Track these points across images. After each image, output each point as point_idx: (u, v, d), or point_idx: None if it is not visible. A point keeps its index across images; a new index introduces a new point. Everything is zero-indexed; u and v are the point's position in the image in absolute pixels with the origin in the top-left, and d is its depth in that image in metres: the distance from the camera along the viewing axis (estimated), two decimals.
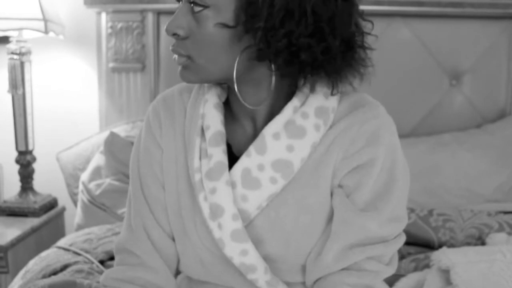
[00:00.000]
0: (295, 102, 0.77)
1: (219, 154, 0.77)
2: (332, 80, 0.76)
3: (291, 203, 0.77)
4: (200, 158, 0.79)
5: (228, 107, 0.84)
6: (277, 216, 0.78)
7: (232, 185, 0.77)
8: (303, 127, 0.76)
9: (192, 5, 0.73)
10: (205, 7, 0.71)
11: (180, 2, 0.75)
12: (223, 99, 0.83)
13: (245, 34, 0.71)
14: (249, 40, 0.72)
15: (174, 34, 0.74)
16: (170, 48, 0.76)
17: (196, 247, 0.80)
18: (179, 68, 0.77)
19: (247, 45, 0.72)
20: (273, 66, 0.73)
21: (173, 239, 0.84)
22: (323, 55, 0.71)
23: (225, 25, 0.71)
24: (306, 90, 0.78)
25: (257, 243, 0.78)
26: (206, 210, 0.77)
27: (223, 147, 0.78)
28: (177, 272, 0.89)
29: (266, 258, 0.78)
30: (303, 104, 0.78)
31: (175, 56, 0.76)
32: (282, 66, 0.73)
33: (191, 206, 0.80)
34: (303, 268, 0.81)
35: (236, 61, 0.73)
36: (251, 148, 0.77)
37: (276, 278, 0.79)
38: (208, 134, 0.79)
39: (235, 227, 0.75)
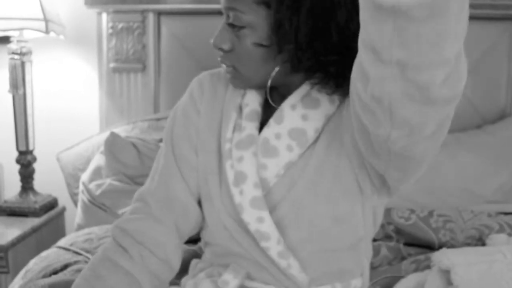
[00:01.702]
0: (312, 80, 0.82)
1: (252, 129, 0.84)
2: None
3: (306, 170, 0.82)
4: (233, 131, 0.86)
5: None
6: (291, 181, 0.83)
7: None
8: (318, 99, 0.82)
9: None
10: (242, 27, 0.79)
11: (224, 17, 0.82)
12: (264, 93, 0.89)
13: (279, 53, 0.78)
14: (283, 57, 0.79)
15: (220, 48, 0.82)
16: (218, 59, 0.84)
17: (219, 212, 0.86)
18: (228, 76, 0.85)
19: (281, 61, 0.79)
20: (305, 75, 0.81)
21: (197, 200, 0.90)
22: (351, 67, 0.72)
23: (260, 45, 0.79)
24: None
25: (272, 209, 0.82)
26: (231, 177, 0.83)
27: (257, 124, 0.85)
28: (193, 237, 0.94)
29: (279, 224, 0.82)
30: (320, 82, 0.82)
31: (223, 65, 0.84)
32: (313, 76, 0.80)
33: (217, 173, 0.87)
34: (314, 237, 0.83)
35: (273, 73, 0.81)
36: (271, 120, 0.84)
37: (289, 252, 0.82)
38: (246, 111, 0.86)
39: (255, 194, 0.81)
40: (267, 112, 0.87)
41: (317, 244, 0.84)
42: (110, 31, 1.94)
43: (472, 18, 2.13)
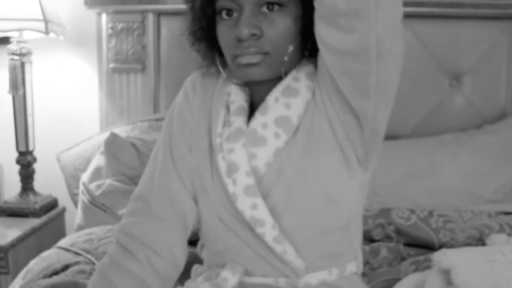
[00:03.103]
0: (294, 73, 0.89)
1: (240, 122, 0.89)
2: None
3: (292, 155, 0.87)
4: (223, 127, 0.90)
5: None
6: (280, 167, 0.86)
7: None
8: (297, 89, 0.88)
9: (263, 7, 0.82)
10: (280, 5, 0.82)
11: (234, 13, 0.84)
12: (248, 90, 0.94)
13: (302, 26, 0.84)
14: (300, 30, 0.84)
15: (253, 35, 0.82)
16: (245, 50, 0.83)
17: (214, 204, 0.89)
18: (250, 67, 0.84)
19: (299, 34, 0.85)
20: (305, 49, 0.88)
21: (193, 197, 0.93)
22: None
23: (296, 19, 0.83)
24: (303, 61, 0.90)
25: (265, 197, 0.85)
26: (223, 169, 0.87)
27: (244, 118, 0.89)
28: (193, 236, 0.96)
29: (273, 211, 0.85)
30: (297, 71, 0.89)
31: (246, 56, 0.83)
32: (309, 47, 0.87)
33: (210, 168, 0.90)
34: (308, 219, 0.86)
35: (291, 49, 0.85)
36: (257, 113, 0.89)
37: (284, 237, 0.85)
38: (233, 107, 0.90)
39: (248, 182, 0.85)
40: (252, 109, 0.92)
41: (311, 227, 0.87)
42: (110, 31, 1.94)
43: (472, 17, 2.13)
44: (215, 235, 0.91)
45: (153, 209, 0.91)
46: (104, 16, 1.95)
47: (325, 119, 0.86)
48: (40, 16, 1.76)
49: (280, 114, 0.86)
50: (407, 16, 2.10)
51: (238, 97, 0.91)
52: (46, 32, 1.77)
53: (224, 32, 0.85)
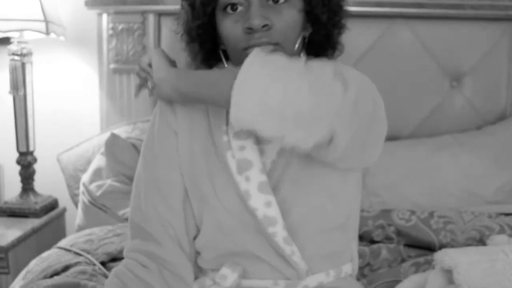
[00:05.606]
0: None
1: None
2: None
3: (297, 152, 0.84)
4: (226, 125, 0.89)
5: None
6: (286, 163, 0.87)
7: None
8: None
9: (269, 0, 0.83)
10: None
11: (239, 7, 0.84)
12: None
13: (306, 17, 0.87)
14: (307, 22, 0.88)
15: (264, 26, 0.82)
16: (257, 41, 0.82)
17: (215, 211, 0.87)
18: None
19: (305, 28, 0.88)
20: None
21: (182, 216, 0.91)
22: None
23: (300, 10, 0.85)
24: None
25: (274, 194, 0.85)
26: (233, 166, 0.86)
27: None
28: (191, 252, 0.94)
29: (281, 208, 0.84)
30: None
31: (257, 47, 0.82)
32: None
33: (206, 174, 0.88)
34: (312, 215, 0.86)
35: (300, 40, 0.87)
36: None
37: (291, 238, 0.84)
38: None
39: (262, 179, 0.84)
40: None
41: (314, 223, 0.87)
42: (111, 32, 1.94)
43: (472, 19, 2.13)
44: (214, 241, 0.90)
45: (148, 234, 0.90)
46: (104, 17, 1.95)
47: None
48: (41, 17, 1.76)
49: None
50: (408, 17, 2.10)
51: None
52: (47, 33, 1.77)
53: (230, 27, 0.84)
